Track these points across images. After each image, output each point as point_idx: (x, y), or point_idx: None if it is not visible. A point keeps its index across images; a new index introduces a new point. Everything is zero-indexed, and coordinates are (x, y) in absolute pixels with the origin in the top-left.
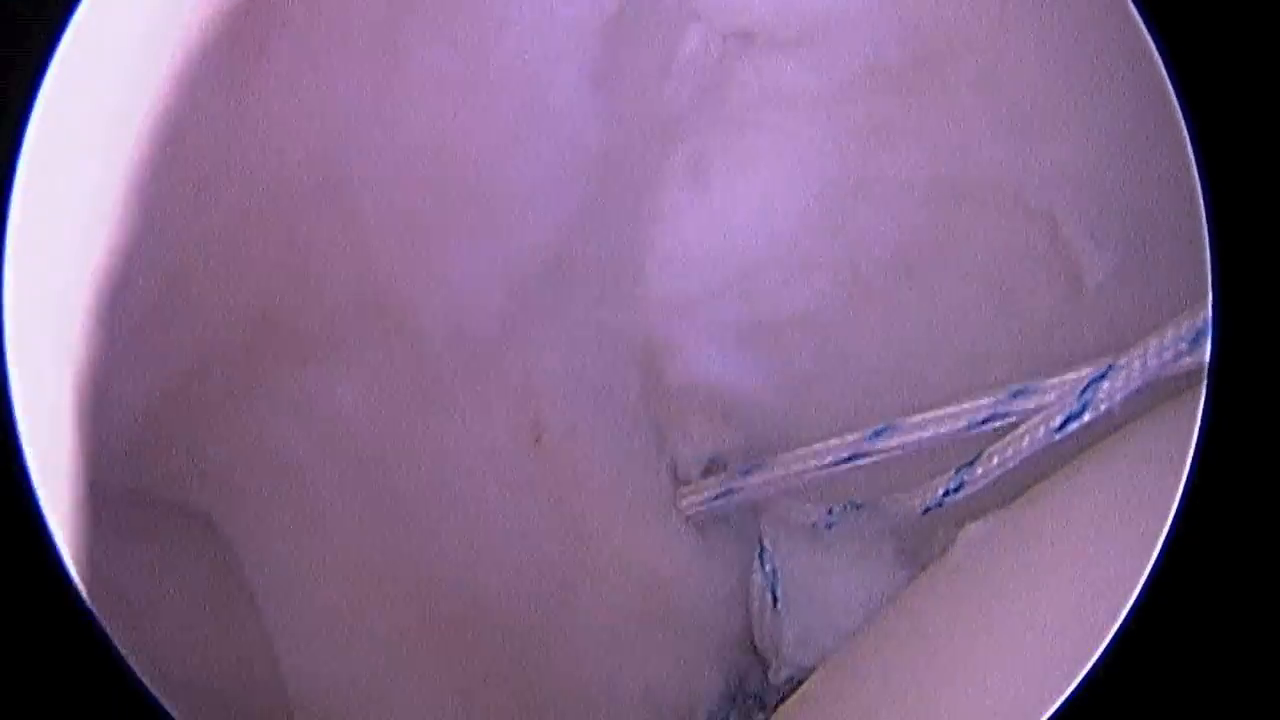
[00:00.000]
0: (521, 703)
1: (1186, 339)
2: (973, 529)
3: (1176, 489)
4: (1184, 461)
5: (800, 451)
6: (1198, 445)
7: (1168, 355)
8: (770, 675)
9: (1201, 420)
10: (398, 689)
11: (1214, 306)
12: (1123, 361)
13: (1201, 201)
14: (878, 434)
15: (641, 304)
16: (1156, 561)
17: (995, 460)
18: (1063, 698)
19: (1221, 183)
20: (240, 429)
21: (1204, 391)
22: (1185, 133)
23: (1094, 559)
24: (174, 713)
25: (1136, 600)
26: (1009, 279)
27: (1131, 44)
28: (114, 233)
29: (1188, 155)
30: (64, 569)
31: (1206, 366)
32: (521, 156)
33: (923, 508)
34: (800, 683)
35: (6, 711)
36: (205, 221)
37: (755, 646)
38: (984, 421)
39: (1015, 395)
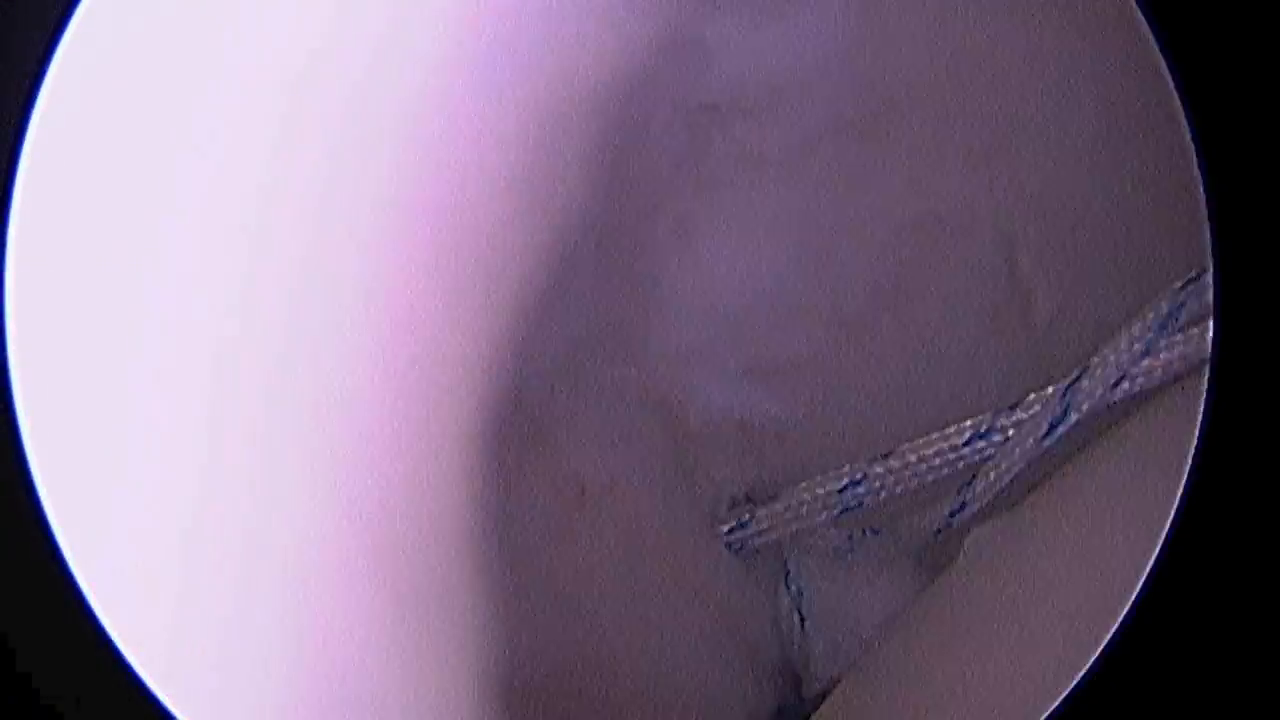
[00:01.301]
0: None
1: (1156, 329)
2: (977, 534)
3: (1178, 481)
4: (1185, 454)
5: (805, 483)
6: (1200, 437)
7: (1138, 349)
8: (804, 690)
9: (1204, 411)
10: None
11: (1216, 294)
12: (1095, 360)
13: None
14: (874, 460)
15: (649, 359)
16: (1159, 554)
17: (992, 475)
18: (1066, 691)
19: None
20: None
21: (1205, 382)
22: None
23: (1096, 553)
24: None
25: (1140, 593)
26: (990, 302)
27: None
28: None
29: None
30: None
31: (1210, 351)
32: (533, 242)
33: (934, 529)
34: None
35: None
36: None
37: (790, 664)
38: (979, 437)
39: (1003, 412)
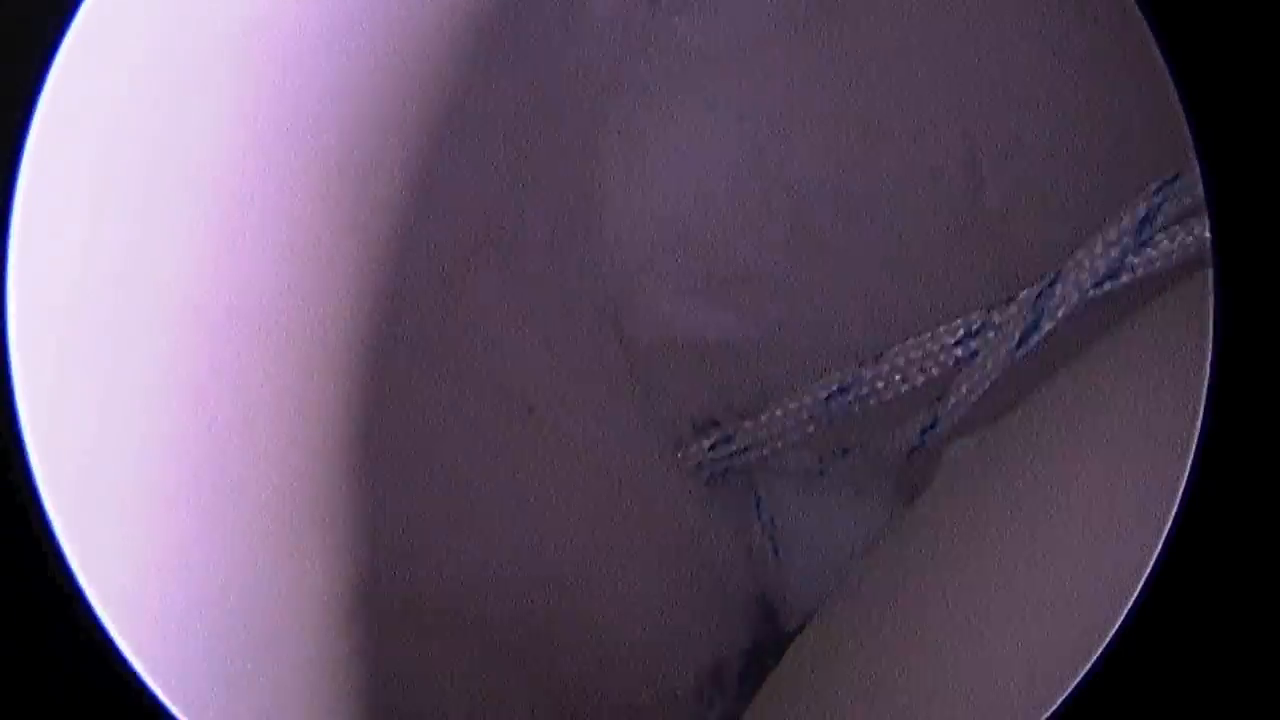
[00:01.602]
0: (541, 682)
1: (1133, 232)
2: (954, 451)
3: (1182, 399)
4: (1189, 369)
5: (789, 394)
6: (1215, 343)
7: (1114, 253)
8: (782, 623)
9: (1214, 315)
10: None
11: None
12: (1069, 264)
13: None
14: (863, 364)
15: (597, 268)
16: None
17: (964, 389)
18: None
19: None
20: None
21: (1210, 282)
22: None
23: (1091, 471)
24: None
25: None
26: (953, 208)
27: None
28: None
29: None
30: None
31: (1209, 249)
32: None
33: (906, 449)
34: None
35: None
36: None
37: (765, 598)
38: (971, 336)
39: (996, 307)
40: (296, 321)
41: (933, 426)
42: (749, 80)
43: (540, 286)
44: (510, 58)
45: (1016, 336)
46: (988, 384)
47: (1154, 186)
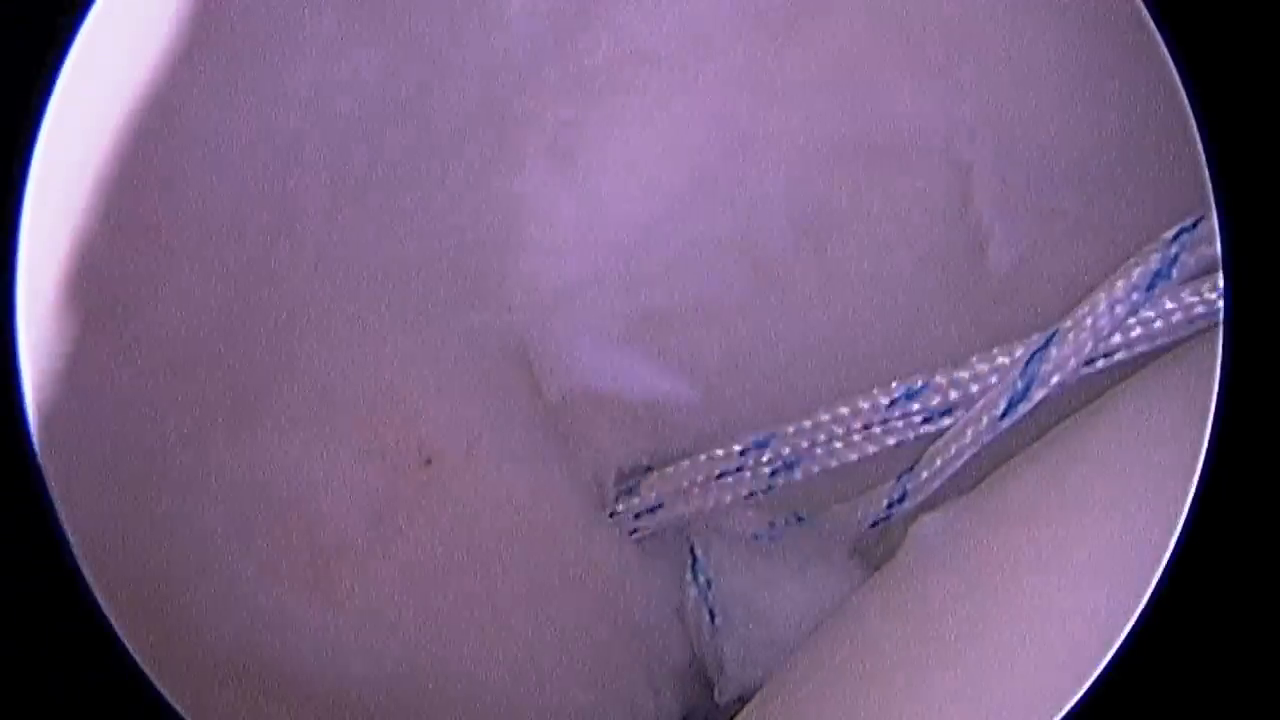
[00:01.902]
0: None
1: (1144, 288)
2: (926, 522)
3: (1186, 470)
4: (1190, 433)
5: (706, 457)
6: (1216, 419)
7: (1121, 312)
8: (716, 695)
9: (1220, 386)
10: None
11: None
12: (1067, 324)
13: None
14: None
15: (512, 302)
16: (1167, 567)
17: (939, 462)
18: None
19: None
20: None
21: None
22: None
23: (1081, 554)
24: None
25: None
26: (938, 247)
27: None
28: None
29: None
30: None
31: (1218, 312)
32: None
33: (869, 521)
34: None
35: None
36: None
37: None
38: (910, 397)
39: (940, 369)
40: None
41: (901, 500)
42: (701, 85)
43: (440, 323)
44: (408, 47)
45: (1002, 405)
46: (966, 457)
47: (1170, 234)
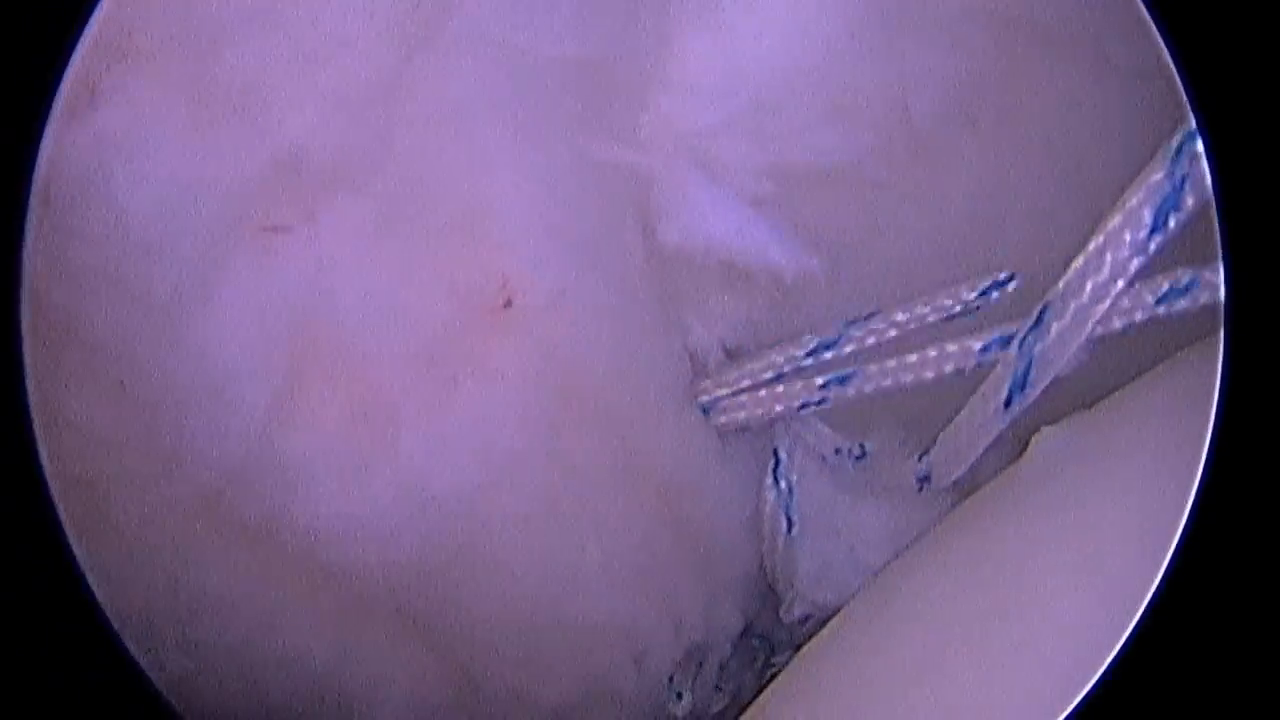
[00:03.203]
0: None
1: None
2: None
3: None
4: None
5: (776, 352)
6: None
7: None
8: (782, 613)
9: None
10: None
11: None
12: (1057, 290)
13: None
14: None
15: (635, 135)
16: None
17: (943, 456)
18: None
19: None
20: None
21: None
22: None
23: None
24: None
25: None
26: (1082, 145)
27: None
28: None
29: None
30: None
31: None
32: None
33: (914, 480)
34: (821, 623)
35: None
36: None
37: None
38: (963, 313)
39: (996, 286)
40: None
41: (928, 479)
42: None
43: (557, 145)
44: None
45: (1004, 393)
46: (978, 450)
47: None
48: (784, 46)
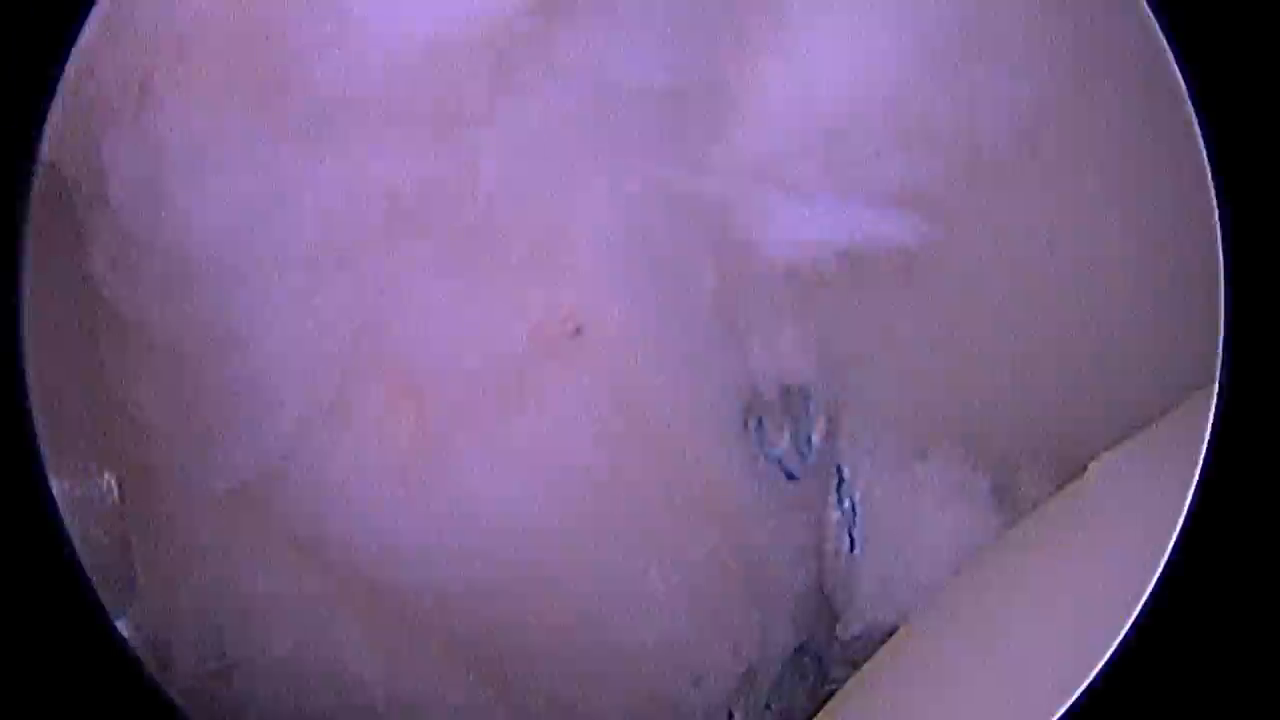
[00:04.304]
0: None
1: None
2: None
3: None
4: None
5: None
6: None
7: None
8: (839, 630)
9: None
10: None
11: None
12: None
13: None
14: None
15: (707, 164)
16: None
17: None
18: None
19: None
20: None
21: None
22: None
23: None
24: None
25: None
26: (1145, 177)
27: None
28: None
29: None
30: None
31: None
32: None
33: None
34: (877, 641)
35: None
36: None
37: (826, 596)
38: None
39: None
40: None
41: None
42: None
43: (632, 168)
44: None
45: None
46: None
47: None
48: (855, 75)
